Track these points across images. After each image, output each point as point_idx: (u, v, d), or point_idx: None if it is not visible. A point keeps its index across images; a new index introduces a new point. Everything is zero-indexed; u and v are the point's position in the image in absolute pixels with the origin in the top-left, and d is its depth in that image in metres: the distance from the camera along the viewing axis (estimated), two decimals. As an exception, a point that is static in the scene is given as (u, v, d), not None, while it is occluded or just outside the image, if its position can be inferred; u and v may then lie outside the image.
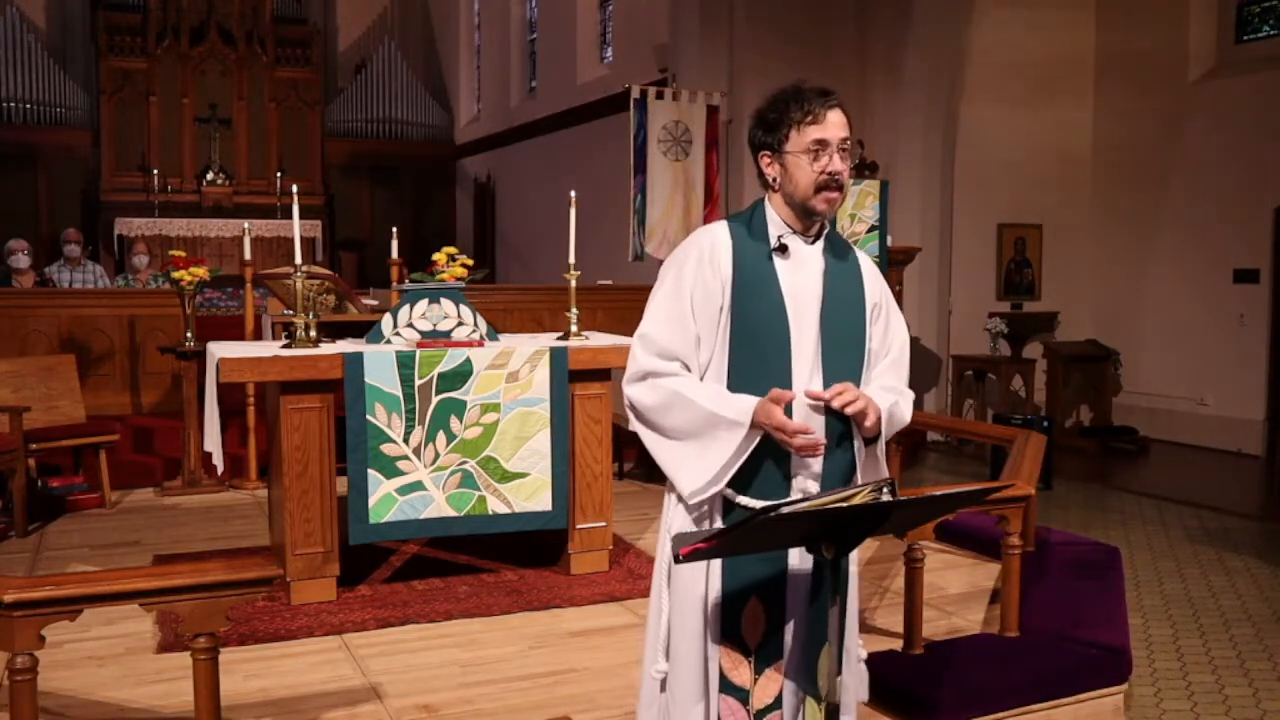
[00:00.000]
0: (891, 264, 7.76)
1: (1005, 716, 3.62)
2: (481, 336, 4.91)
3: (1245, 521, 7.07)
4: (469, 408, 4.68)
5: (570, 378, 4.87)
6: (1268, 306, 9.25)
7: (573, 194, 5.16)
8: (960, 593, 4.95)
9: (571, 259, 5.17)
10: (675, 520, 2.45)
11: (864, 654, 2.55)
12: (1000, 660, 3.90)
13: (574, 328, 5.14)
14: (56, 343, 7.83)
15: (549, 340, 5.09)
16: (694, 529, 2.40)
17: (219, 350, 4.75)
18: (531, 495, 4.81)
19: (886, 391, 2.45)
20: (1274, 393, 9.21)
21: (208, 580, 2.92)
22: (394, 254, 7.38)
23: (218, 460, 5.63)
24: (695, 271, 2.38)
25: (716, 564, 2.37)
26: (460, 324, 4.89)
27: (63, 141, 16.51)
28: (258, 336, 7.30)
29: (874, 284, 2.51)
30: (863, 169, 9.10)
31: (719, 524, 2.39)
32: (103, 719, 3.54)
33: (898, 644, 4.04)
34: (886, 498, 2.09)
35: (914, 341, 9.79)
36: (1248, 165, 9.30)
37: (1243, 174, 9.35)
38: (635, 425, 2.44)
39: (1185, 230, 9.92)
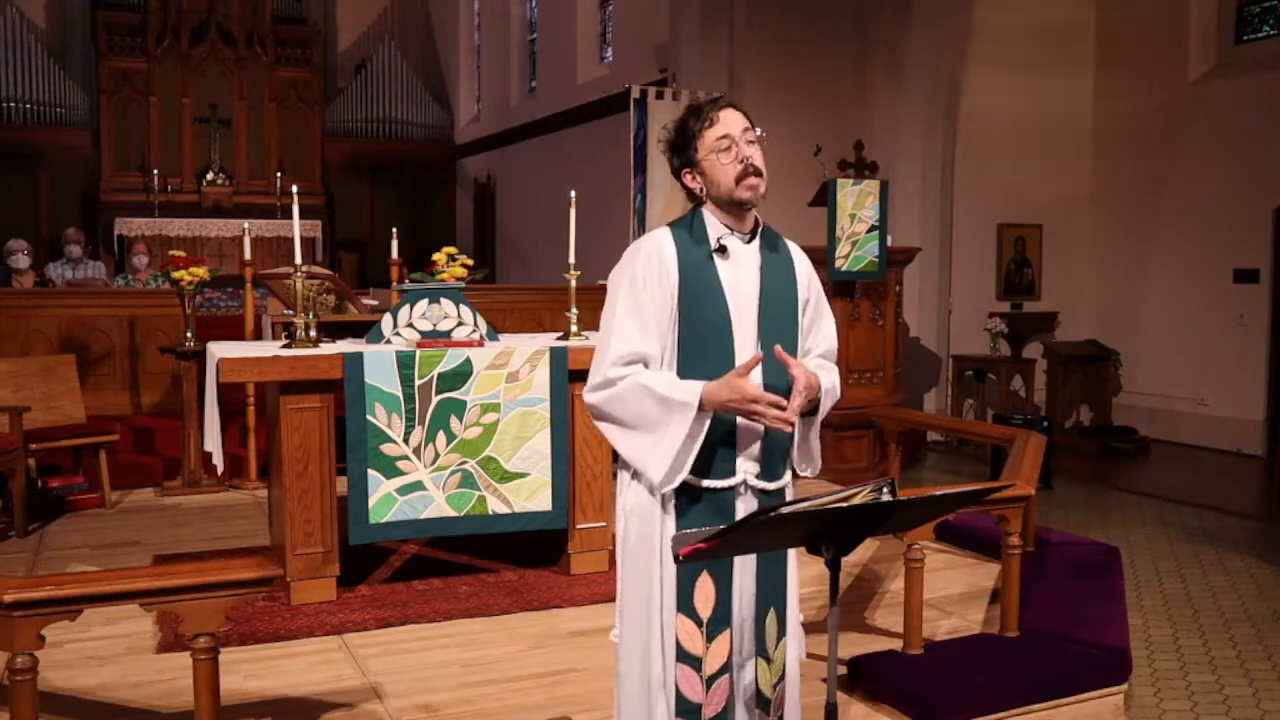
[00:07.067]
0: (891, 264, 7.76)
1: (1005, 716, 3.62)
2: (481, 336, 4.91)
3: (1245, 521, 7.07)
4: (469, 408, 4.68)
5: (570, 378, 4.86)
6: (1268, 306, 9.25)
7: (573, 194, 5.15)
8: (960, 593, 4.94)
9: (571, 259, 5.16)
10: (629, 498, 2.58)
11: (802, 617, 2.74)
12: (1000, 660, 3.90)
13: (574, 328, 5.13)
14: (56, 343, 7.82)
15: (549, 340, 5.09)
16: (649, 505, 2.52)
17: (219, 350, 4.75)
18: (531, 495, 4.81)
19: (824, 370, 2.60)
20: (1274, 393, 9.21)
21: (208, 580, 2.92)
22: (394, 254, 7.39)
23: (218, 460, 5.64)
24: (644, 278, 2.51)
25: (668, 540, 2.47)
26: (460, 324, 4.89)
27: (63, 141, 16.49)
28: (258, 336, 7.30)
29: (805, 277, 2.66)
30: (863, 169, 9.10)
31: (672, 503, 2.52)
32: (103, 719, 3.54)
33: (898, 644, 4.04)
34: (886, 498, 2.10)
35: (914, 342, 9.90)
36: (1248, 165, 9.29)
37: (1243, 174, 9.35)
38: (598, 423, 2.56)
39: (1185, 230, 9.91)
